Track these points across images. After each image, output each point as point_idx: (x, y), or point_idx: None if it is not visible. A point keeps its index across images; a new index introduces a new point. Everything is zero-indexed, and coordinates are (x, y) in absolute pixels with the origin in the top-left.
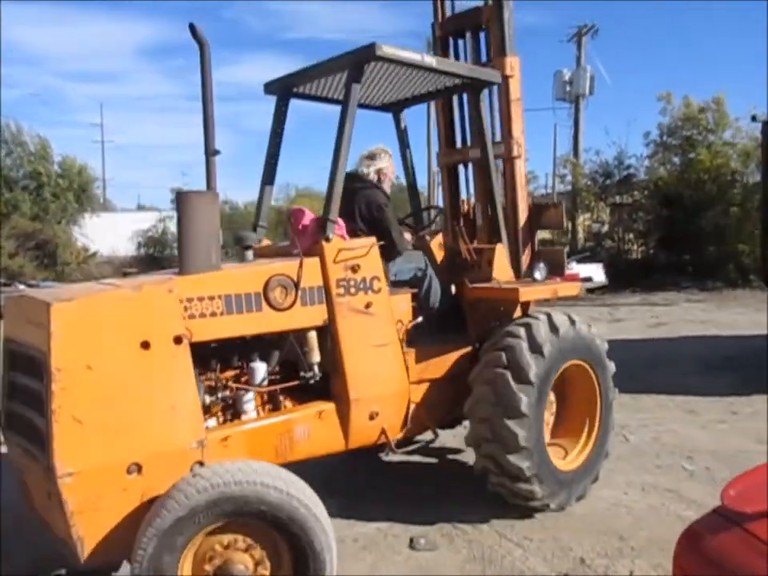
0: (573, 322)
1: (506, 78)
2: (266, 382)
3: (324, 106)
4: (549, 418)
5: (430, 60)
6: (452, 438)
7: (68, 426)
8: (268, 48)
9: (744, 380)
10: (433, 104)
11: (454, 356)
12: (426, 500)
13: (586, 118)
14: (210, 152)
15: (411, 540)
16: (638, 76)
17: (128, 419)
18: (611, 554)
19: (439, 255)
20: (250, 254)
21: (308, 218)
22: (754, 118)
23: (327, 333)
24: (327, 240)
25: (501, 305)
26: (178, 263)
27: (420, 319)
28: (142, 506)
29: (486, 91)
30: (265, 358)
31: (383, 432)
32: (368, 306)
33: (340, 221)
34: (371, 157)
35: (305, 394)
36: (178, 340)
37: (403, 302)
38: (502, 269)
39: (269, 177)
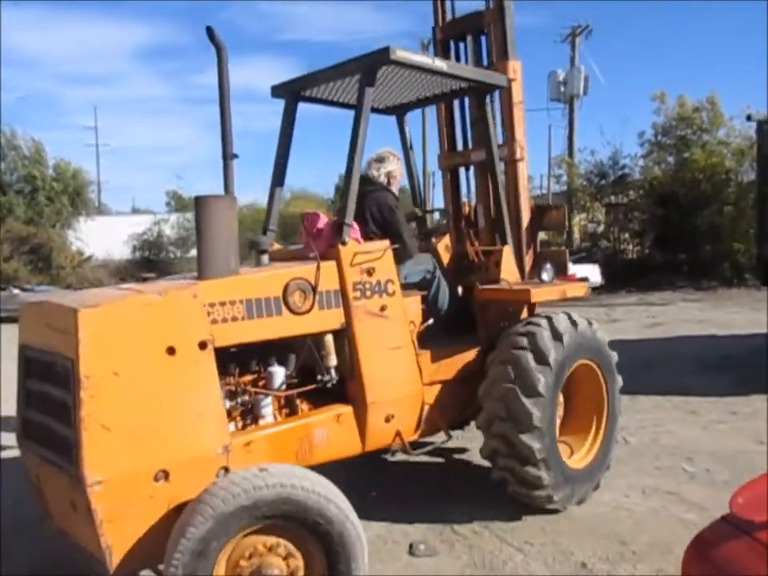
0: (579, 322)
1: (508, 82)
2: (284, 387)
3: (320, 108)
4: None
5: (441, 64)
6: (451, 438)
7: (96, 433)
8: (262, 50)
9: (742, 380)
10: (430, 107)
11: (465, 357)
12: (425, 503)
13: (580, 118)
14: (228, 156)
15: (411, 546)
16: (631, 76)
17: (155, 426)
18: (612, 559)
19: (446, 257)
20: (265, 257)
21: (323, 221)
22: (749, 117)
23: (344, 336)
24: (343, 243)
25: (510, 306)
26: (197, 267)
27: (431, 321)
28: (169, 513)
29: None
30: (283, 362)
31: (398, 434)
32: (383, 308)
33: (354, 224)
34: (380, 160)
35: (321, 397)
36: (202, 345)
37: (414, 304)
38: (509, 270)
39: (278, 179)
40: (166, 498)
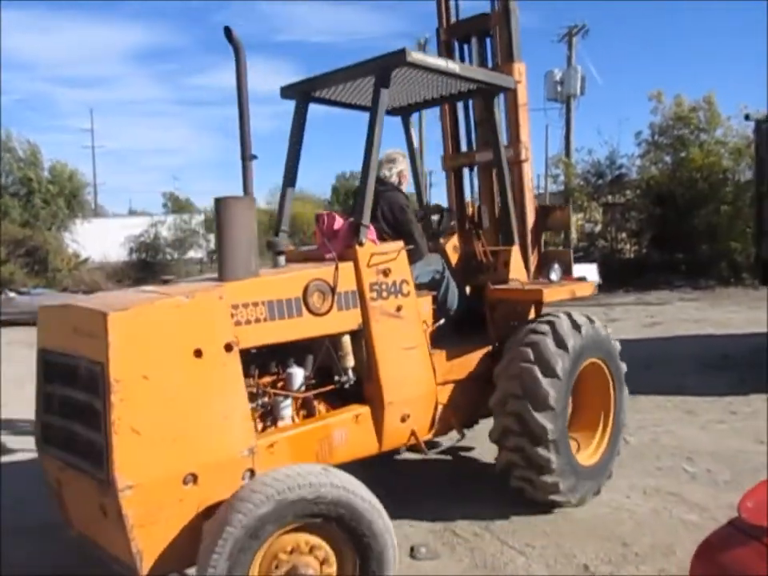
0: (592, 321)
1: (514, 84)
2: (303, 388)
3: (316, 109)
4: None
5: (454, 66)
6: (450, 439)
7: (127, 438)
8: (258, 51)
9: (741, 379)
10: (427, 108)
11: (476, 356)
12: (425, 505)
13: (577, 118)
14: (247, 157)
15: (412, 549)
16: (628, 75)
17: (183, 429)
18: (615, 561)
19: (453, 258)
20: (282, 259)
21: (338, 222)
22: (747, 117)
23: (361, 337)
24: (360, 244)
25: (519, 305)
26: (218, 269)
27: (442, 321)
28: (198, 516)
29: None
30: (300, 363)
31: (413, 434)
32: (399, 309)
33: (371, 225)
34: (391, 160)
35: (337, 398)
36: (228, 347)
37: (426, 304)
38: (518, 270)
39: (290, 180)
40: (194, 501)
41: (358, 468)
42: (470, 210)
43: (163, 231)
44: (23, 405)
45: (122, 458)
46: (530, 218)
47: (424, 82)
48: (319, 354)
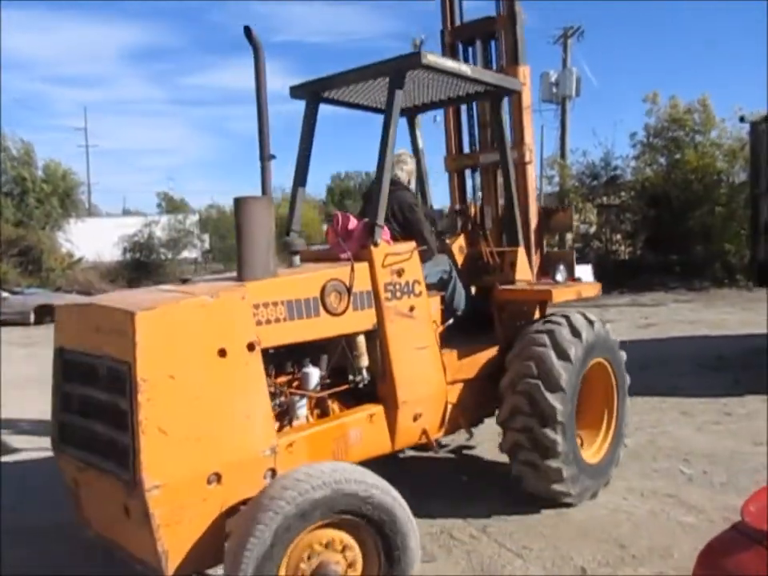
0: (603, 323)
1: (521, 87)
2: (318, 387)
3: (299, 108)
4: None
5: (466, 69)
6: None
7: (154, 438)
8: (251, 51)
9: (736, 380)
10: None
11: (484, 356)
12: (421, 508)
13: (572, 119)
14: (266, 157)
15: None
16: (624, 77)
17: (208, 429)
18: (612, 563)
19: (459, 258)
20: (297, 259)
21: (353, 222)
22: (742, 119)
23: (375, 337)
24: (375, 245)
25: (526, 306)
26: (237, 268)
27: (451, 321)
28: (221, 515)
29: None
30: (316, 363)
31: (424, 432)
32: (411, 309)
33: (385, 226)
34: (402, 161)
35: (351, 397)
36: (251, 347)
37: (435, 304)
38: (523, 271)
39: (301, 180)
40: (218, 500)
41: None
42: (471, 211)
43: (157, 231)
44: (22, 405)
45: (149, 458)
46: (534, 220)
47: (432, 83)
48: (334, 353)
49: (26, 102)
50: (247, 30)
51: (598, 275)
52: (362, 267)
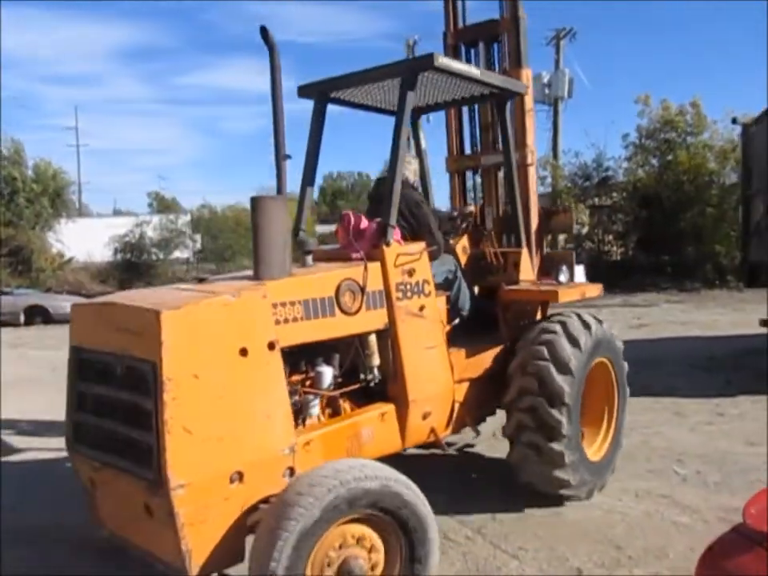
0: (599, 321)
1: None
2: (332, 387)
3: (299, 108)
4: None
5: (476, 71)
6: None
7: (179, 437)
8: (245, 51)
9: (728, 381)
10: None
11: (489, 355)
12: None
13: (564, 120)
14: (281, 157)
15: None
16: (616, 79)
17: (230, 428)
18: (608, 564)
19: (462, 259)
20: (309, 258)
21: (364, 222)
22: (734, 121)
23: (387, 336)
24: (387, 245)
25: (529, 306)
26: (254, 267)
27: (457, 321)
28: (242, 514)
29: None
30: (329, 362)
31: (432, 431)
32: (422, 309)
33: (396, 226)
34: (408, 161)
35: (362, 396)
36: (271, 346)
37: (441, 304)
38: (527, 272)
39: (309, 179)
40: (240, 499)
41: None
42: (472, 212)
43: (149, 231)
44: (18, 405)
45: (174, 458)
46: (534, 221)
47: (438, 85)
48: (345, 352)
49: (16, 100)
50: (263, 31)
51: (590, 276)
52: (374, 267)
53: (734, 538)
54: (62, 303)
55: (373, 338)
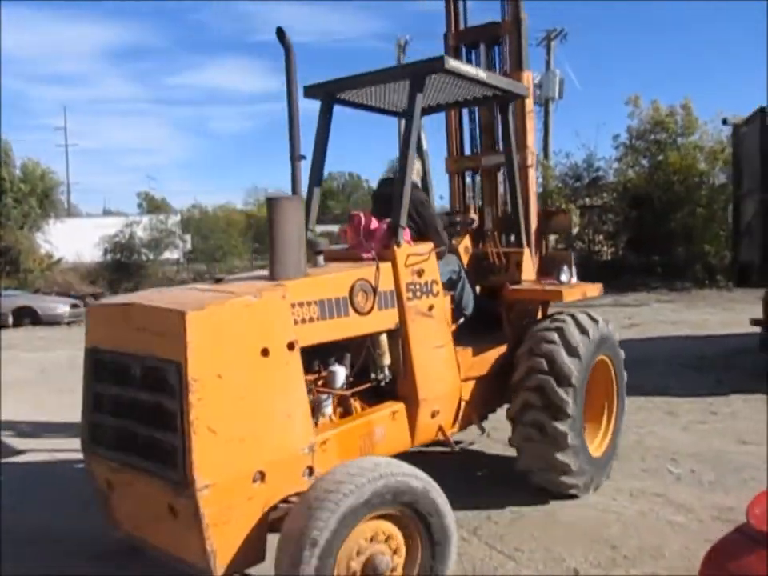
0: (606, 322)
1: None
2: (345, 386)
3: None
4: None
5: (483, 74)
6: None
7: (204, 437)
8: (235, 51)
9: (719, 380)
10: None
11: (494, 354)
12: None
13: (555, 121)
14: (296, 157)
15: None
16: (607, 80)
17: (252, 427)
18: (604, 564)
19: (465, 258)
20: (321, 258)
21: (374, 222)
22: (725, 121)
23: (397, 336)
24: (398, 245)
25: (532, 305)
26: (269, 268)
27: (462, 320)
28: (265, 514)
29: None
30: (341, 362)
31: (440, 429)
32: (430, 308)
33: (406, 227)
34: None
35: (371, 396)
36: (290, 346)
37: (448, 304)
38: (528, 271)
39: (316, 179)
40: (262, 499)
41: None
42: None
43: (139, 231)
44: (16, 407)
45: (200, 458)
46: (534, 221)
47: (442, 87)
48: (356, 352)
49: (4, 99)
50: (279, 32)
51: (581, 276)
52: (385, 267)
53: (738, 539)
54: (51, 304)
55: (384, 338)
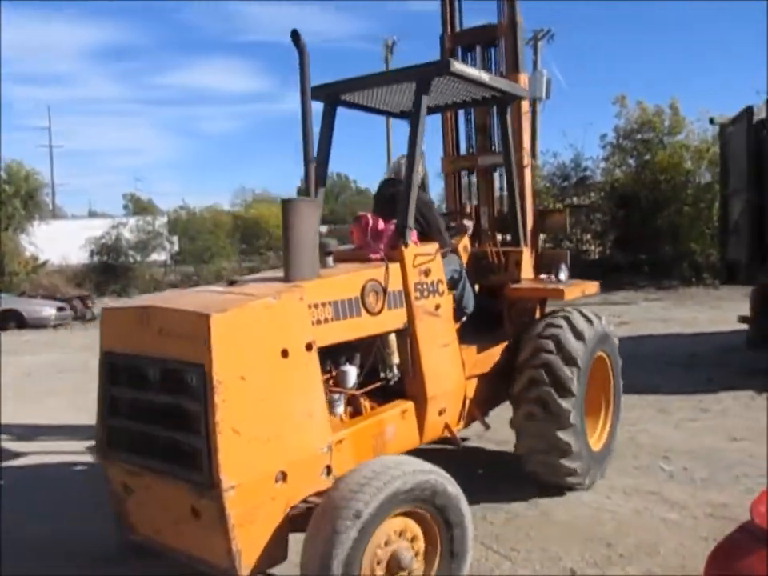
0: (598, 318)
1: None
2: (356, 385)
3: (282, 109)
4: None
5: (486, 77)
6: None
7: (229, 438)
8: (220, 51)
9: (710, 377)
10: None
11: (496, 351)
12: None
13: (542, 121)
14: (310, 159)
15: None
16: (594, 80)
17: (274, 428)
18: (600, 563)
19: (464, 257)
20: (330, 259)
21: (381, 223)
22: (711, 121)
23: (406, 335)
24: (406, 246)
25: (532, 303)
26: (284, 269)
27: (465, 319)
28: (287, 513)
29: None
30: (352, 361)
31: (446, 426)
32: (437, 308)
33: (413, 228)
34: None
35: (380, 394)
36: (309, 347)
37: (451, 302)
38: (527, 270)
39: (321, 181)
40: (284, 498)
41: None
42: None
43: (125, 233)
44: (14, 410)
45: (226, 459)
46: (530, 221)
47: (443, 88)
48: (366, 352)
49: None
50: (294, 35)
51: (570, 275)
52: (394, 267)
53: (743, 538)
54: (37, 307)
55: (393, 337)
